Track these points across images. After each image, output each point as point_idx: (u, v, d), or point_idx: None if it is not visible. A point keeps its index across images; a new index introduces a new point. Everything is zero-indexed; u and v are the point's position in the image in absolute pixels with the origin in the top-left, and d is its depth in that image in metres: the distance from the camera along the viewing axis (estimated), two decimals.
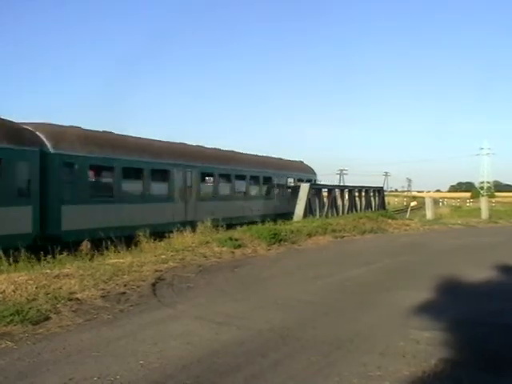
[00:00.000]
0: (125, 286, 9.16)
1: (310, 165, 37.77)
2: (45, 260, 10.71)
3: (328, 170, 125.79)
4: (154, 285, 9.52)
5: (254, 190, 29.86)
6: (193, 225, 19.72)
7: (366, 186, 36.80)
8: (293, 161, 36.39)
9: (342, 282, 10.56)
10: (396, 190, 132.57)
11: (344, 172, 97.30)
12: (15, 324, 6.62)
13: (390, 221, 25.55)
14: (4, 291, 7.90)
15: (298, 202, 27.94)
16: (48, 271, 9.36)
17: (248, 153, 31.14)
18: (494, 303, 8.69)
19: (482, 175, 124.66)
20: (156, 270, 10.60)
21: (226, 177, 27.29)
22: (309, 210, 27.18)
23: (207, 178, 26.42)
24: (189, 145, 25.77)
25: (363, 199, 34.54)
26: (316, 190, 29.79)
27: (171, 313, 7.78)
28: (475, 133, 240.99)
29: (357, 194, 34.34)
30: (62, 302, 7.70)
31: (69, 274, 9.30)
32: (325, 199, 30.91)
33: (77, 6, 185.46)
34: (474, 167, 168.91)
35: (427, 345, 6.24)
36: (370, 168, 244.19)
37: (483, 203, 36.20)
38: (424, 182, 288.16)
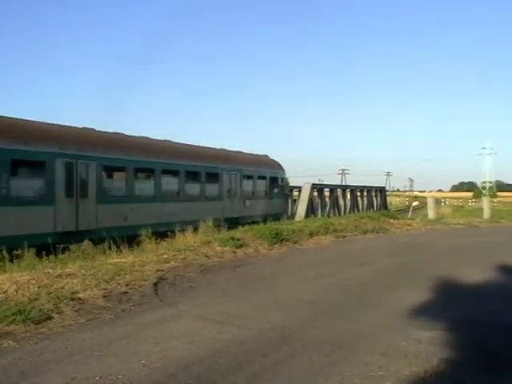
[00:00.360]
0: (127, 285, 9.17)
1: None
2: (47, 260, 10.73)
3: (330, 169, 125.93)
4: (155, 284, 9.54)
5: (192, 189, 24.07)
6: (93, 234, 16.77)
7: (367, 185, 36.85)
8: (254, 155, 30.67)
9: (344, 282, 10.57)
10: (398, 190, 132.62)
11: (346, 172, 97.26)
12: (17, 323, 6.64)
13: (391, 220, 25.52)
14: (6, 291, 7.91)
15: (300, 202, 28.01)
16: (50, 271, 9.38)
17: (187, 143, 25.62)
18: (494, 303, 8.69)
19: (484, 175, 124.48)
20: (158, 270, 10.61)
21: (148, 172, 21.90)
22: (310, 211, 27.14)
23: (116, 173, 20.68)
24: (88, 129, 19.61)
25: (365, 199, 34.59)
26: (317, 189, 29.78)
27: (173, 312, 7.80)
28: (477, 133, 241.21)
29: (359, 193, 34.38)
30: (64, 301, 7.72)
31: (71, 274, 9.32)
32: (327, 199, 30.93)
33: (78, 9, 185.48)
34: (476, 167, 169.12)
35: (428, 345, 6.25)
36: (372, 168, 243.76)
37: (485, 203, 36.21)
38: (426, 181, 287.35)
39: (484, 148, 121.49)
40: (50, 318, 7.09)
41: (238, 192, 26.67)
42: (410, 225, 25.13)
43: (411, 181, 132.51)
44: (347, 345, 6.30)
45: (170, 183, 22.82)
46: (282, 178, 31.45)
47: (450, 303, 8.79)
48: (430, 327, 6.96)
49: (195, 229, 16.84)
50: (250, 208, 26.67)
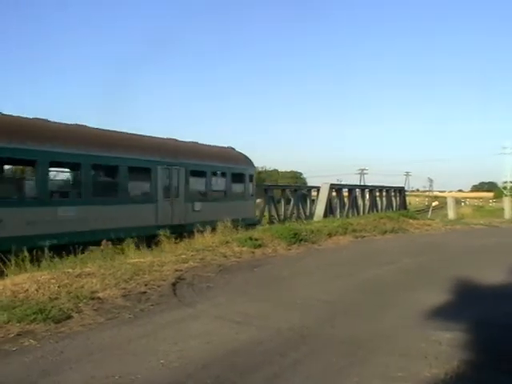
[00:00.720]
0: (145, 285, 9.22)
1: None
2: (67, 259, 10.82)
3: (348, 169, 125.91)
4: (174, 284, 9.57)
5: (105, 189, 18.25)
6: None
7: (386, 185, 36.66)
8: (209, 146, 24.74)
9: (362, 282, 10.53)
10: (417, 190, 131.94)
11: (364, 172, 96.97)
12: (38, 322, 6.71)
13: (411, 221, 25.35)
14: (27, 290, 8.01)
15: (318, 202, 27.89)
16: (70, 270, 9.45)
17: (100, 128, 19.13)
18: None
19: (505, 175, 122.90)
20: (176, 270, 10.65)
21: (25, 164, 17.11)
22: (328, 211, 26.93)
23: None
24: None
25: (384, 199, 34.43)
26: (336, 189, 29.66)
27: (191, 312, 7.82)
28: (498, 132, 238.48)
29: (377, 193, 34.23)
30: (84, 300, 7.78)
31: (90, 273, 9.38)
32: (345, 199, 30.84)
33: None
34: (497, 167, 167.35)
35: (448, 346, 6.19)
36: (391, 168, 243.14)
37: (506, 203, 35.89)
38: (446, 181, 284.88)
39: (505, 147, 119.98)
40: (69, 317, 7.15)
41: (182, 192, 20.95)
42: (429, 225, 24.94)
43: (431, 181, 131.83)
44: (366, 345, 6.27)
45: (64, 180, 17.75)
46: (251, 176, 25.95)
47: (469, 304, 8.71)
48: (449, 328, 6.90)
49: (115, 241, 14.25)
50: (201, 213, 20.99)
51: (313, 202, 31.05)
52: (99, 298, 8.09)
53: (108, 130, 19.30)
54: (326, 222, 21.42)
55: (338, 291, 9.62)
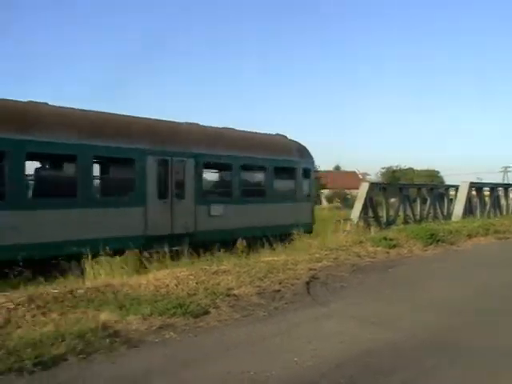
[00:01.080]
0: (279, 283, 9.34)
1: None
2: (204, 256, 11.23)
3: (490, 168, 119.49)
4: (307, 283, 9.61)
5: (56, 188, 12.85)
6: None
7: None
8: (248, 133, 18.78)
9: (506, 285, 9.93)
10: None
11: (508, 170, 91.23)
12: (178, 316, 7.03)
13: None
14: (168, 285, 8.42)
15: (457, 202, 26.79)
16: (207, 267, 9.80)
17: (54, 105, 13.58)
18: None
19: None
20: (310, 269, 10.69)
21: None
22: (468, 211, 25.71)
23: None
24: None
25: None
26: (476, 188, 28.28)
27: (325, 311, 7.80)
28: None
29: None
30: (220, 297, 8.03)
31: (226, 271, 9.66)
32: (486, 198, 29.33)
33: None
34: None
35: None
36: None
37: None
38: None
39: None
40: (207, 312, 7.42)
41: (191, 191, 15.51)
42: None
43: None
44: None
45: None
46: (306, 171, 20.02)
47: None
48: None
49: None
50: (222, 218, 16.12)
51: (451, 201, 29.82)
52: (235, 295, 8.32)
53: (62, 108, 13.79)
54: (465, 223, 20.64)
55: (477, 294, 9.19)
